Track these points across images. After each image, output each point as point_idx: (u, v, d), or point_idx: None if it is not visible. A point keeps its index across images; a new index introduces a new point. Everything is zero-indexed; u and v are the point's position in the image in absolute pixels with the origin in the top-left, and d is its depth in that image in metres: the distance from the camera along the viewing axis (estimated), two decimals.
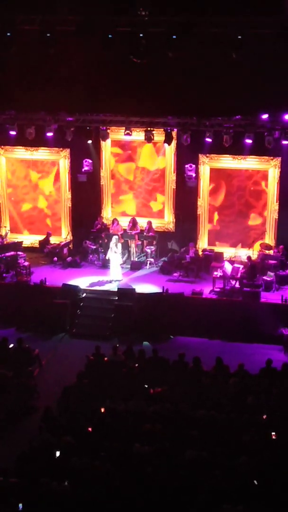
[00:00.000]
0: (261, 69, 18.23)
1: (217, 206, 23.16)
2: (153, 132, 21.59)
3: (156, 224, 23.53)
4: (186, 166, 22.40)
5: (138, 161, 23.78)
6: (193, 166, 22.45)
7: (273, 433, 12.20)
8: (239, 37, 16.67)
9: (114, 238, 21.42)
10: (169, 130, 21.53)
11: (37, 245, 24.08)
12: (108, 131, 22.50)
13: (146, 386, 14.36)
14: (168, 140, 21.63)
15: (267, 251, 22.03)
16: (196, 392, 13.97)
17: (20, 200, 24.89)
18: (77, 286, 20.41)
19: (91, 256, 23.20)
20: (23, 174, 24.66)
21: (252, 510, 9.75)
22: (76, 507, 10.04)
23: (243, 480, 10.51)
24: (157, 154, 23.50)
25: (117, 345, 16.23)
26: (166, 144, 22.11)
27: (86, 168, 23.28)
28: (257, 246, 22.27)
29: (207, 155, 22.68)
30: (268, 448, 11.63)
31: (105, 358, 15.71)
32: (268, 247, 22.32)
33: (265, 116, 20.15)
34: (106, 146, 23.75)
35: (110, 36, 17.21)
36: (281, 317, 18.89)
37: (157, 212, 23.91)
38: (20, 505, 10.06)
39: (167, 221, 23.78)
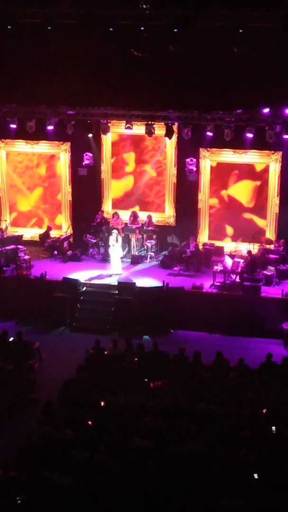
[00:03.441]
0: (262, 63, 18.22)
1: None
2: (154, 126, 21.54)
3: (157, 218, 23.51)
4: (187, 160, 22.37)
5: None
6: (194, 160, 22.43)
7: (273, 428, 12.21)
8: (240, 30, 16.66)
9: (114, 232, 21.41)
10: (170, 124, 21.47)
11: (37, 238, 24.05)
12: (109, 124, 22.46)
13: (146, 380, 14.36)
14: (169, 134, 21.58)
15: (267, 246, 22.02)
16: (196, 386, 13.97)
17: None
18: (77, 280, 20.40)
19: (91, 250, 23.18)
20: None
21: (252, 505, 9.76)
22: (75, 500, 10.05)
23: (242, 474, 10.53)
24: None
25: (117, 339, 16.25)
26: (167, 138, 22.07)
27: (86, 161, 23.27)
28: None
29: (208, 149, 22.64)
30: (268, 443, 11.64)
31: (105, 352, 15.71)
32: (269, 241, 22.30)
33: (266, 110, 20.09)
34: (107, 140, 23.74)
35: (111, 29, 17.21)
36: (281, 311, 18.89)
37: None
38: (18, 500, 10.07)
39: (168, 215, 23.74)
